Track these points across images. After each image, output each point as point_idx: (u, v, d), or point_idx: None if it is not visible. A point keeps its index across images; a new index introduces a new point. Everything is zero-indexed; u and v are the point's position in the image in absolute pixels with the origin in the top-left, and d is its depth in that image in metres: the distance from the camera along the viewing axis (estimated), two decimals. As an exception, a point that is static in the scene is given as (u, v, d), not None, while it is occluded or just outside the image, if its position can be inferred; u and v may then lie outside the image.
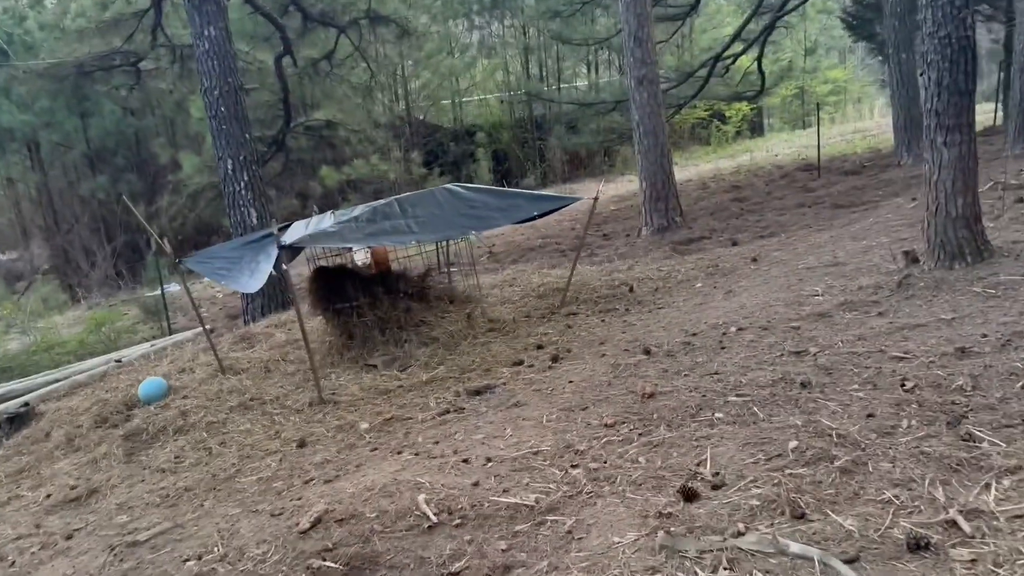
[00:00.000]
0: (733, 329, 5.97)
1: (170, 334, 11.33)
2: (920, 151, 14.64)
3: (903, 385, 4.21)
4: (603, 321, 7.63)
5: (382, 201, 7.33)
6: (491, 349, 7.29)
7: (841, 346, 5.05)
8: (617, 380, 5.47)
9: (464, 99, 28.72)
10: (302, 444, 5.75)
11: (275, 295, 10.73)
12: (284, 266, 6.39)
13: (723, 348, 5.60)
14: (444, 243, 9.38)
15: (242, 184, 10.33)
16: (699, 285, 8.48)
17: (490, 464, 4.35)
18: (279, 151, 15.60)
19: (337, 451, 5.46)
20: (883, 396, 4.13)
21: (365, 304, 7.75)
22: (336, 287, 7.90)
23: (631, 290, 8.82)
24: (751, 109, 28.64)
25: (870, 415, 3.91)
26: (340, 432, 5.87)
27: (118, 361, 9.76)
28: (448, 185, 7.69)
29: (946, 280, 5.87)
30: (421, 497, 4.00)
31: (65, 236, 25.95)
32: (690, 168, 23.33)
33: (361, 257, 10.03)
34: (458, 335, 7.69)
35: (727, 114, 28.51)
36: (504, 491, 3.95)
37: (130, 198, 20.40)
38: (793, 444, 3.75)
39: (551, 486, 3.90)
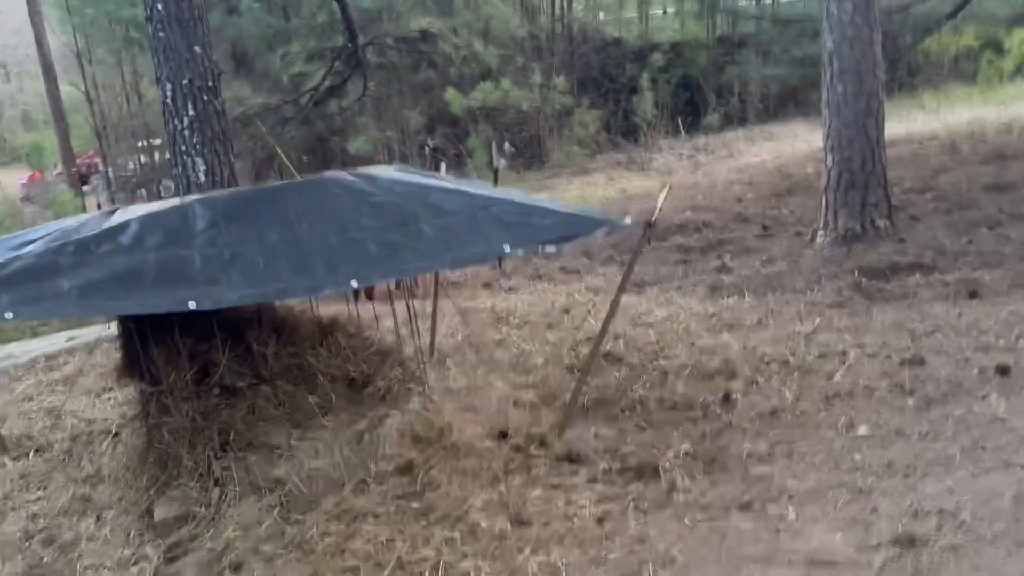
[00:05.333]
0: None
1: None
2: None
3: None
4: (600, 523, 3.42)
5: (180, 201, 3.59)
6: (351, 546, 3.43)
7: None
8: None
9: (654, 10, 23.50)
10: None
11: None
12: None
13: None
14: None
15: (185, 121, 6.92)
16: (862, 432, 3.92)
17: None
18: (357, 67, 11.94)
19: None
20: None
21: (176, 389, 4.13)
22: (154, 342, 4.32)
23: (726, 399, 4.47)
24: (1043, 38, 20.82)
25: None
26: None
27: (-7, 364, 6.99)
28: (370, 170, 3.80)
29: None
30: None
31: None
32: (935, 117, 16.81)
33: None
34: (325, 480, 3.87)
35: (1006, 44, 20.89)
36: None
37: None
38: None
39: None
